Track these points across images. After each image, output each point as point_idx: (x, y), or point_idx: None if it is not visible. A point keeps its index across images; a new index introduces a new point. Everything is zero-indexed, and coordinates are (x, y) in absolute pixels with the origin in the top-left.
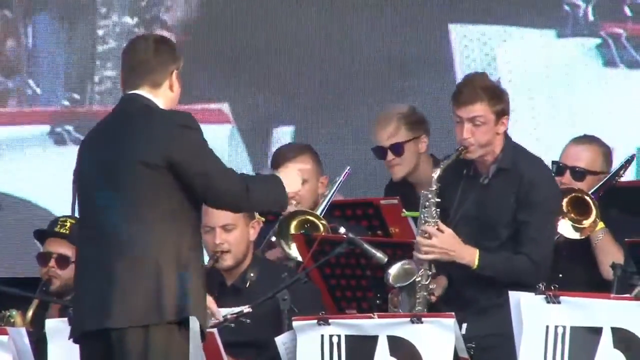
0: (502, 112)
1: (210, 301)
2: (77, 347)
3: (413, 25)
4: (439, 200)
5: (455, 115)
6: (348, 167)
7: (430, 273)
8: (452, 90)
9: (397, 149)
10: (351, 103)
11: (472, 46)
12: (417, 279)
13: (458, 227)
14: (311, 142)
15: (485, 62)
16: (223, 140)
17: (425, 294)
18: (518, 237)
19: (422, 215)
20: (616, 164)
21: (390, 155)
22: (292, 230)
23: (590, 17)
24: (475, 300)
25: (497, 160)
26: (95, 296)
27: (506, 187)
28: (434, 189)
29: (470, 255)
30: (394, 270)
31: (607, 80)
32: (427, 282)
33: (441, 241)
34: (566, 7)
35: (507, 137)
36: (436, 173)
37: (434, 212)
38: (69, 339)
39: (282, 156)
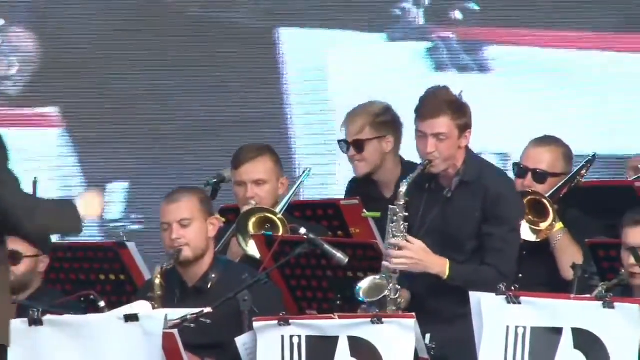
0: (465, 126)
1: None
2: (39, 348)
3: (241, 28)
4: (407, 214)
5: (418, 130)
6: (308, 168)
7: (398, 287)
8: (283, 97)
9: (359, 145)
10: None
11: (298, 51)
12: (386, 293)
13: (422, 241)
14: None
15: (314, 67)
16: (52, 145)
17: (394, 308)
18: (483, 249)
19: (390, 230)
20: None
21: (352, 151)
22: (251, 228)
23: (421, 21)
24: (438, 311)
25: (460, 173)
26: None
27: (470, 200)
28: (401, 203)
29: (441, 266)
30: (365, 284)
31: (439, 84)
32: (395, 296)
33: (412, 252)
34: (397, 11)
35: (468, 149)
36: (404, 187)
37: (402, 226)
38: None
39: (242, 157)
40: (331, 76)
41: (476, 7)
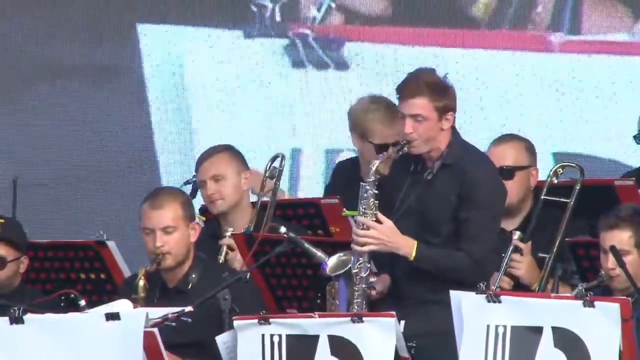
0: (446, 108)
1: None
2: (20, 346)
3: (99, 25)
4: (377, 192)
5: (398, 110)
6: (281, 154)
7: (369, 265)
8: (142, 91)
9: None
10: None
11: (156, 46)
12: (355, 271)
13: (400, 222)
14: None
15: (171, 63)
16: None
17: (364, 286)
18: (459, 235)
19: (360, 207)
20: None
21: None
22: None
23: (278, 18)
24: (412, 297)
25: (442, 156)
26: None
27: (448, 183)
28: (372, 180)
29: (408, 247)
30: (331, 261)
31: (296, 81)
32: (365, 275)
33: (378, 232)
34: (253, 8)
35: (455, 133)
36: (374, 165)
37: (372, 203)
38: None
39: (200, 157)
40: (190, 73)
41: (332, 4)
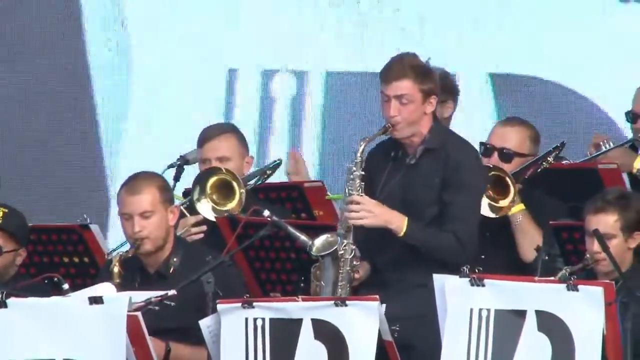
0: (430, 92)
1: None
2: (3, 330)
3: None
4: (363, 173)
5: (383, 93)
6: (279, 158)
7: (353, 247)
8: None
9: None
10: None
11: None
12: (341, 252)
13: None
14: None
15: None
16: None
17: (348, 269)
18: (443, 217)
19: (346, 189)
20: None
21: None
22: (209, 187)
23: None
24: (393, 282)
25: (425, 141)
26: None
27: (432, 167)
28: (358, 161)
29: (399, 221)
30: (318, 242)
31: None
32: (350, 256)
33: (370, 206)
34: None
35: (435, 118)
36: (361, 146)
37: (358, 184)
38: None
39: (207, 135)
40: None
41: None
